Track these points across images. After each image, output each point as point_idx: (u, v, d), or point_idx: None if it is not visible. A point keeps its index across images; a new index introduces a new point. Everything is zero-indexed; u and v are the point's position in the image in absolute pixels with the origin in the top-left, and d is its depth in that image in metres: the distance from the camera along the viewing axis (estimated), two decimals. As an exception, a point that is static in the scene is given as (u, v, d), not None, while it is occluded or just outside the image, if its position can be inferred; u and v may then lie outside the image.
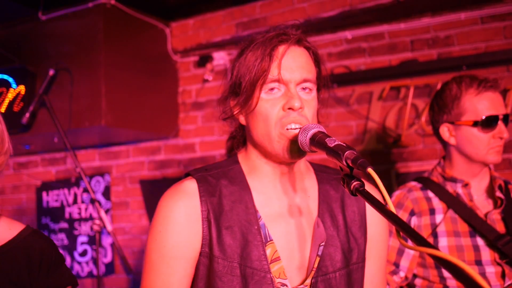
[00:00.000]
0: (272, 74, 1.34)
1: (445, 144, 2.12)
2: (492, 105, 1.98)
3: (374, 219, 1.51)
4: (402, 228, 0.92)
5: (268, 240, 1.38)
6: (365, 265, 1.48)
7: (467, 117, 1.99)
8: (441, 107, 2.07)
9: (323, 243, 1.41)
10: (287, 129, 1.34)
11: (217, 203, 1.39)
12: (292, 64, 1.36)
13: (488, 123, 1.96)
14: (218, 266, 1.34)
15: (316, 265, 1.39)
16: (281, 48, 1.36)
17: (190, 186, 1.41)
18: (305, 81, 1.37)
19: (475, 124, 1.97)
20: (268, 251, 1.37)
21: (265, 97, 1.36)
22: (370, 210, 1.51)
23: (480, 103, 1.97)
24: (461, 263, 0.77)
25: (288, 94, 1.35)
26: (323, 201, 1.48)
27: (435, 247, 0.83)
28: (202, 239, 1.36)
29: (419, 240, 0.87)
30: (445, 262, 0.79)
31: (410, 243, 0.91)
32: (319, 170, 1.56)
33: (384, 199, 1.03)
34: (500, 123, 1.97)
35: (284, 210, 1.43)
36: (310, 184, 1.50)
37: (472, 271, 0.76)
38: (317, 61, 1.44)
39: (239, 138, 1.55)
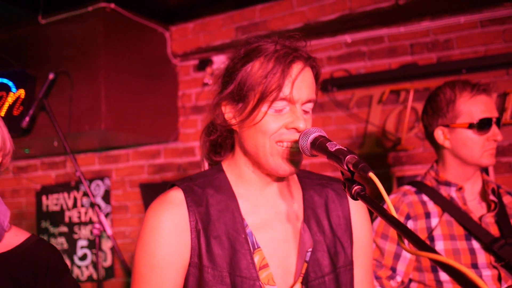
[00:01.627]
0: (283, 92, 1.32)
1: (438, 148, 2.14)
2: (486, 107, 2.01)
3: (358, 222, 1.52)
4: (404, 233, 0.91)
5: (256, 247, 1.37)
6: (354, 269, 1.48)
7: (462, 119, 2.02)
8: (436, 111, 2.09)
9: (310, 249, 1.41)
10: (282, 145, 1.34)
11: (204, 213, 1.38)
12: (302, 84, 1.34)
13: (483, 125, 1.99)
14: (208, 276, 1.33)
15: (303, 271, 1.39)
16: (295, 67, 1.34)
17: (177, 196, 1.39)
18: (309, 101, 1.37)
19: (470, 126, 2.00)
20: (256, 258, 1.36)
21: (271, 113, 1.34)
22: (354, 214, 1.52)
23: (474, 106, 2.00)
24: (463, 268, 0.77)
25: (294, 114, 1.34)
26: (308, 207, 1.48)
27: (437, 251, 0.83)
28: (191, 249, 1.35)
29: (421, 244, 0.87)
30: (446, 266, 0.79)
31: (406, 244, 0.90)
32: (303, 176, 1.56)
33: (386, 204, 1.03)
34: (494, 125, 2.01)
35: (270, 217, 1.43)
36: (295, 191, 1.51)
37: (474, 275, 0.75)
38: (318, 77, 1.44)
39: (227, 143, 1.52)
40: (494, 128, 2.01)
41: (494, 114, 2.02)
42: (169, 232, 1.34)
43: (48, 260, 1.60)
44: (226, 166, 1.49)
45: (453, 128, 2.05)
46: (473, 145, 2.01)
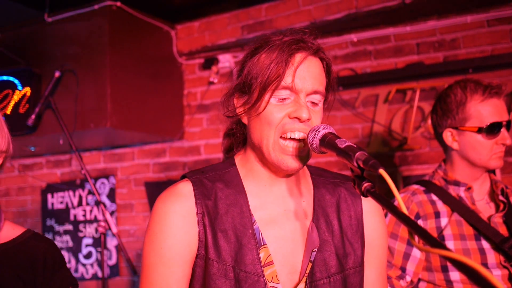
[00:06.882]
0: (285, 81, 1.32)
1: (446, 148, 2.13)
2: (496, 111, 1.99)
3: (371, 224, 1.49)
4: (415, 230, 0.91)
5: (262, 244, 1.37)
6: (365, 271, 1.46)
7: (472, 123, 2.00)
8: (445, 112, 2.08)
9: (315, 249, 1.40)
10: (286, 137, 1.34)
11: (212, 206, 1.38)
12: (306, 74, 1.34)
13: (492, 129, 1.97)
14: (213, 269, 1.34)
15: (308, 271, 1.38)
16: (298, 56, 1.34)
17: (186, 188, 1.40)
18: (315, 92, 1.35)
19: (480, 130, 1.98)
20: (262, 255, 1.36)
21: (274, 102, 1.35)
22: (367, 215, 1.49)
23: (485, 110, 1.99)
24: (477, 265, 0.76)
25: (297, 103, 1.33)
26: (318, 205, 1.47)
27: (449, 249, 0.82)
28: (198, 241, 1.36)
29: (433, 242, 0.86)
30: (460, 264, 0.78)
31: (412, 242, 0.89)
32: (316, 174, 1.55)
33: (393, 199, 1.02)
34: (503, 129, 1.99)
35: (279, 214, 1.42)
36: (305, 189, 1.49)
37: (488, 273, 0.75)
38: (329, 71, 1.43)
39: (239, 136, 1.54)
40: (503, 132, 1.99)
41: (504, 117, 2.00)
42: (176, 224, 1.35)
43: (45, 253, 1.64)
44: (238, 160, 1.49)
45: (462, 130, 2.03)
46: (482, 149, 2.00)
